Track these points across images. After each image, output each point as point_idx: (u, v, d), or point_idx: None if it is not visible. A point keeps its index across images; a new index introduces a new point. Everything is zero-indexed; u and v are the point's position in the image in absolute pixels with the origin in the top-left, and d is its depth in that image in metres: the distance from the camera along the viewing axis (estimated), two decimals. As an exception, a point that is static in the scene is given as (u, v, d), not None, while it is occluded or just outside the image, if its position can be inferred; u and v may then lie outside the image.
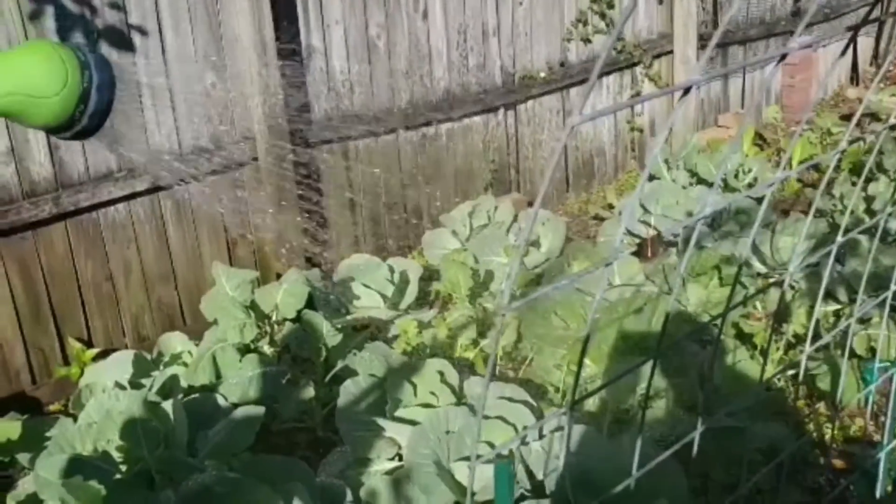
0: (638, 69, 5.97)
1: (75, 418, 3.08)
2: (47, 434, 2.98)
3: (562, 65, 5.45)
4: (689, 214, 4.59)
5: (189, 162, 3.78)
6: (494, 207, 4.71)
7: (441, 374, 2.87)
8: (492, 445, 2.57)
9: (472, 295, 3.98)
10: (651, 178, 5.59)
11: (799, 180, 5.68)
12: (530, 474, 2.50)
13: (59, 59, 1.14)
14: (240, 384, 3.08)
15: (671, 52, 6.10)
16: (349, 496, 2.49)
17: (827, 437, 3.07)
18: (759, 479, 2.68)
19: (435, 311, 3.86)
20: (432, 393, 2.83)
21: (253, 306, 3.39)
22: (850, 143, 1.53)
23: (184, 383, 3.20)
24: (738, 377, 3.12)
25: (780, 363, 3.38)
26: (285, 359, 3.31)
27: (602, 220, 5.25)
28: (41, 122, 1.17)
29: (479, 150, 5.07)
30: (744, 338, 3.40)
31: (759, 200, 5.02)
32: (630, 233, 4.67)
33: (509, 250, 4.20)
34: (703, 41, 6.24)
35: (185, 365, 3.37)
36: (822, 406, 3.28)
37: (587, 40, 5.54)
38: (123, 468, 2.55)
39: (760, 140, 6.52)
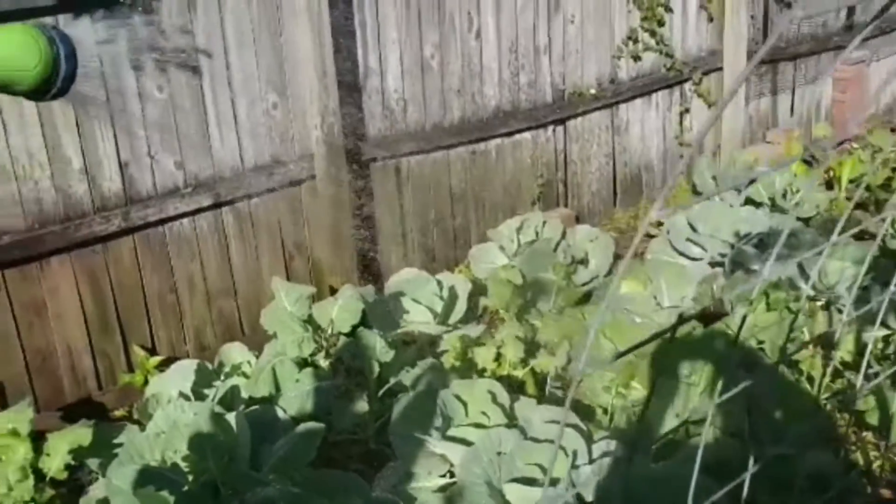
0: (687, 86, 6.00)
1: (142, 426, 3.23)
2: (115, 441, 3.14)
3: (611, 81, 5.50)
4: (738, 235, 4.61)
5: (251, 178, 3.92)
6: (542, 223, 4.78)
7: (492, 394, 2.96)
8: (542, 468, 2.66)
9: (519, 312, 4.06)
10: (698, 195, 5.61)
11: (848, 199, 5.65)
12: (580, 498, 2.58)
13: (32, 37, 1.41)
14: (298, 397, 3.21)
15: (720, 68, 6.11)
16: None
17: (874, 466, 3.09)
18: (804, 506, 2.72)
19: (483, 327, 3.95)
20: (483, 413, 2.92)
21: (310, 321, 3.51)
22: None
23: (244, 394, 3.34)
24: (786, 404, 3.15)
25: (827, 389, 3.41)
26: (340, 372, 3.42)
27: (650, 236, 5.29)
28: (26, 89, 1.45)
29: (528, 166, 5.15)
30: (791, 363, 3.43)
31: (807, 221, 5.02)
32: (678, 251, 4.70)
33: (558, 268, 4.27)
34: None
35: (245, 375, 3.51)
36: (869, 434, 3.29)
37: (637, 57, 5.58)
38: (190, 478, 2.69)
39: (810, 157, 6.49)
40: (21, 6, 3.16)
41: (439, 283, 4.11)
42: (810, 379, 3.45)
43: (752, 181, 5.19)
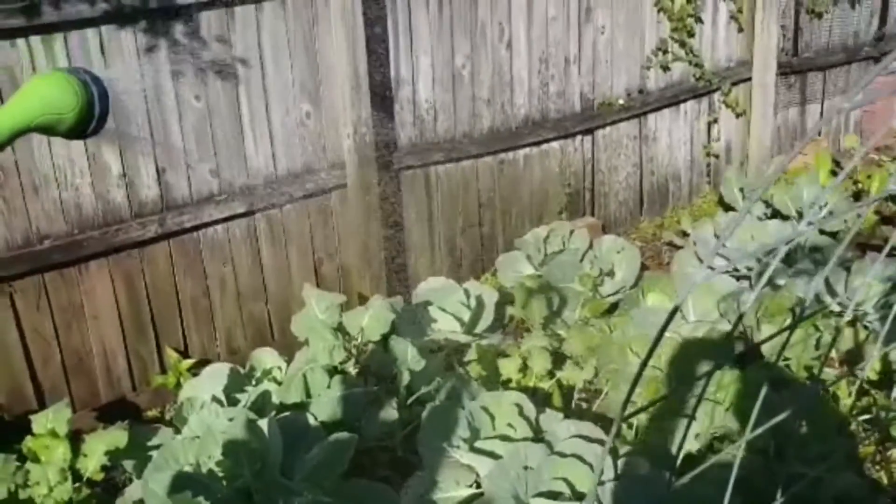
0: (716, 96, 6.00)
1: (176, 428, 3.31)
2: (150, 443, 3.22)
3: (640, 91, 5.52)
4: (768, 253, 4.62)
5: (283, 186, 3.99)
6: (570, 232, 4.81)
7: (519, 407, 3.00)
8: (568, 483, 2.70)
9: (545, 322, 4.10)
10: (726, 206, 5.62)
11: (877, 213, 5.63)
12: (605, 513, 2.62)
13: (68, 82, 1.51)
14: (328, 404, 3.27)
15: (749, 79, 6.10)
16: (431, 522, 2.65)
17: (898, 485, 3.10)
18: (830, 527, 2.74)
19: (510, 337, 3.99)
20: (510, 425, 2.96)
21: (340, 328, 3.57)
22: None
23: (275, 399, 3.41)
24: (812, 422, 3.17)
25: (853, 408, 3.42)
26: (369, 380, 3.48)
27: (676, 247, 5.31)
28: (65, 131, 1.55)
29: (556, 175, 5.18)
30: (816, 382, 3.44)
31: (834, 235, 5.01)
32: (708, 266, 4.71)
33: (584, 278, 4.31)
34: (782, 68, 6.23)
35: (276, 381, 3.58)
36: (894, 453, 3.30)
37: (666, 68, 5.60)
38: (224, 484, 2.75)
39: (838, 169, 6.46)
40: (65, 18, 3.24)
41: (466, 292, 4.16)
42: (836, 397, 3.46)
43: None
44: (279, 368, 3.66)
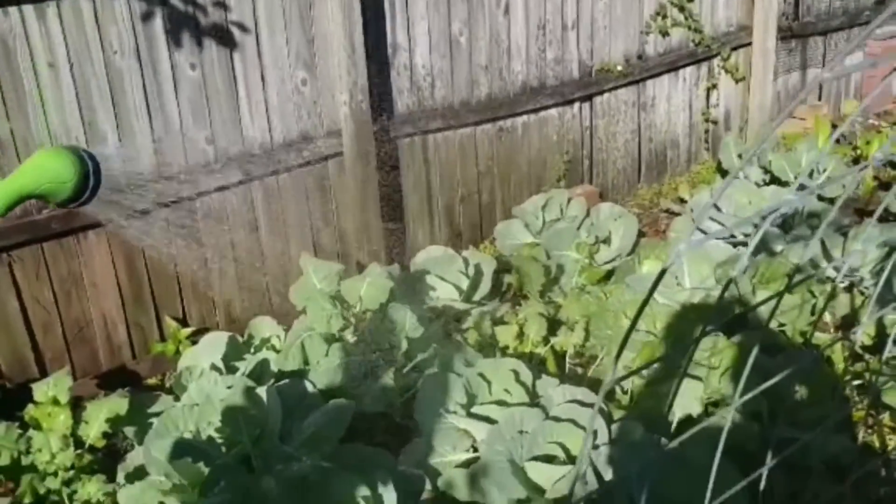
0: (715, 61, 5.97)
1: (175, 396, 3.35)
2: (150, 410, 3.26)
3: (639, 57, 5.48)
4: (763, 218, 4.61)
5: (279, 154, 3.99)
6: (567, 200, 4.82)
7: (515, 373, 3.03)
8: (563, 447, 2.74)
9: (543, 289, 4.12)
10: (724, 173, 5.61)
11: (876, 178, 5.62)
12: (599, 476, 2.66)
13: (68, 157, 1.73)
14: (327, 372, 3.30)
15: (749, 44, 6.06)
16: (428, 485, 2.69)
17: (891, 448, 3.13)
18: (821, 489, 2.78)
19: (507, 305, 4.01)
20: (506, 391, 3.00)
21: (338, 297, 3.59)
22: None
23: (274, 367, 3.44)
24: (805, 387, 3.20)
25: (846, 373, 3.44)
26: (368, 349, 3.50)
27: (673, 214, 5.32)
28: (63, 199, 1.75)
29: (554, 142, 5.17)
30: (811, 347, 3.47)
31: (832, 202, 5.01)
32: (701, 231, 4.72)
33: (581, 246, 4.32)
34: (782, 33, 6.18)
35: (274, 349, 3.61)
36: (886, 417, 3.33)
37: (665, 33, 5.56)
38: (223, 451, 2.79)
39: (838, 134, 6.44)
40: (58, -15, 3.22)
41: (465, 260, 4.17)
42: (830, 362, 3.49)
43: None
44: (277, 337, 3.69)
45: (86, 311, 3.68)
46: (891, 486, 2.96)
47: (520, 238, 4.66)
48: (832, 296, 3.90)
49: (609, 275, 4.31)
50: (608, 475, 2.63)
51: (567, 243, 4.37)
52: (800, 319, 3.61)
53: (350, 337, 3.56)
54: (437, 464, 2.88)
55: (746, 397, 1.76)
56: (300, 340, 3.37)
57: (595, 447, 2.70)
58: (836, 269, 4.15)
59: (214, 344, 3.57)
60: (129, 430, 3.20)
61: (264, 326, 3.73)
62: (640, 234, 4.76)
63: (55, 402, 3.05)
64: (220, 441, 2.79)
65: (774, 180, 5.16)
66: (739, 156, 5.56)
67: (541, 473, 2.68)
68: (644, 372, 3.26)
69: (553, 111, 5.10)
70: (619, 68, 5.33)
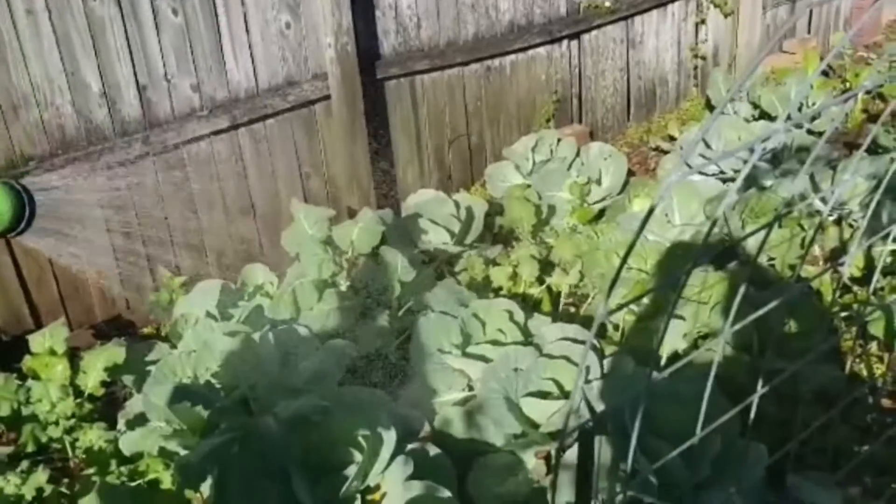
0: (704, -5, 5.90)
1: (172, 344, 3.37)
2: (147, 359, 3.28)
3: (627, -7, 5.41)
4: (751, 150, 4.62)
5: (265, 99, 3.95)
6: (557, 141, 4.80)
7: (509, 312, 3.06)
8: (557, 382, 2.78)
9: (534, 230, 4.13)
10: (713, 110, 5.59)
11: (864, 111, 5.61)
12: (592, 409, 2.70)
13: (5, 191, 1.97)
14: (321, 316, 3.32)
15: (739, -23, 5.99)
16: (426, 426, 2.73)
17: (878, 376, 3.20)
18: (809, 417, 2.84)
19: (500, 247, 4.03)
20: (500, 331, 3.03)
21: (330, 242, 3.59)
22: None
23: (268, 314, 3.45)
24: (794, 319, 3.24)
25: (834, 304, 3.49)
26: (361, 293, 3.52)
27: (663, 152, 5.31)
28: (2, 230, 1.96)
29: (542, 81, 5.12)
30: (800, 279, 3.50)
31: (821, 135, 5.01)
32: (690, 167, 4.72)
33: (572, 186, 4.32)
34: (772, -35, 6.11)
35: (268, 296, 3.62)
36: (873, 346, 3.39)
37: (653, -33, 5.48)
38: (222, 395, 2.82)
39: (827, 69, 6.41)
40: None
41: (456, 203, 4.17)
42: (819, 294, 3.53)
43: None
44: (271, 283, 3.70)
45: (79, 261, 3.67)
46: (877, 414, 3.03)
47: (510, 180, 4.65)
48: (821, 229, 3.92)
49: (600, 214, 4.32)
50: (601, 408, 2.67)
51: (558, 184, 4.37)
52: (789, 253, 3.64)
53: (343, 282, 3.58)
54: (434, 403, 2.92)
55: (736, 326, 1.79)
56: (292, 287, 3.38)
57: (588, 382, 2.74)
58: (825, 202, 4.17)
59: (208, 292, 3.57)
60: (128, 379, 3.22)
61: (257, 273, 3.73)
62: (630, 173, 4.76)
63: (52, 352, 3.06)
64: (218, 386, 2.82)
65: (764, 115, 5.14)
66: (728, 91, 5.52)
67: (535, 409, 2.72)
68: (635, 308, 3.29)
69: (541, 50, 5.05)
70: (607, 4, 5.27)
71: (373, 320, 3.43)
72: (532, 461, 2.68)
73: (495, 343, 2.99)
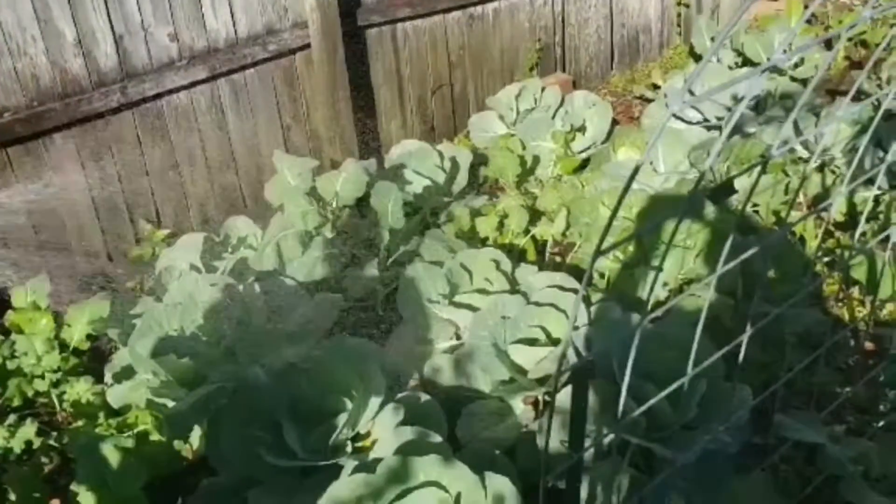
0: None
1: (156, 297, 3.34)
2: (132, 312, 3.26)
3: (610, -62, 5.33)
4: (735, 98, 4.61)
5: (245, 49, 3.87)
6: (541, 90, 4.75)
7: (496, 262, 3.06)
8: (544, 330, 2.79)
9: (519, 181, 4.11)
10: (697, 58, 5.56)
11: (847, 58, 5.60)
12: (580, 355, 2.72)
13: None
14: (306, 267, 3.30)
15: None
16: (416, 375, 2.74)
17: (860, 320, 3.24)
18: (792, 360, 2.88)
19: (485, 197, 4.01)
20: (487, 280, 3.03)
21: (314, 193, 3.56)
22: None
23: (252, 266, 3.44)
24: (778, 265, 3.27)
25: (818, 250, 3.51)
26: (346, 243, 3.50)
27: (647, 100, 5.28)
28: None
29: (526, 29, 5.06)
30: (783, 225, 3.52)
31: (804, 83, 5.00)
32: (675, 116, 4.70)
33: (556, 135, 4.29)
34: None
35: (252, 248, 3.60)
36: (856, 290, 3.43)
37: (637, -89, 5.38)
38: (209, 347, 2.81)
39: (811, 16, 6.37)
40: None
41: (440, 154, 4.14)
42: (802, 240, 3.56)
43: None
44: (254, 236, 3.67)
45: (58, 216, 3.62)
46: (859, 356, 3.07)
47: (494, 129, 4.62)
48: (805, 176, 3.93)
49: (585, 164, 4.31)
50: (587, 354, 2.69)
51: (542, 133, 4.34)
52: (773, 199, 3.66)
53: (329, 233, 3.55)
54: (421, 352, 2.92)
55: (722, 271, 1.79)
56: (276, 239, 3.35)
57: (575, 328, 2.75)
58: (808, 148, 4.18)
59: (191, 245, 3.55)
60: (113, 333, 3.19)
61: (240, 226, 3.70)
62: (615, 122, 4.74)
63: (35, 307, 3.03)
64: (204, 339, 2.81)
65: (747, 62, 5.12)
66: (712, 39, 5.49)
67: (523, 355, 2.73)
68: (621, 256, 3.30)
69: (524, -3, 4.97)
70: (591, -50, 5.18)
71: (360, 270, 3.42)
72: (520, 407, 2.70)
73: (482, 292, 2.99)
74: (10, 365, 2.83)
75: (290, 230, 3.42)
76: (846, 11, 6.39)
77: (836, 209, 3.60)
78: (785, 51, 5.22)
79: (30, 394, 2.77)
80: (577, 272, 3.33)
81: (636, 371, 2.55)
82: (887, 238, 3.20)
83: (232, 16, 3.82)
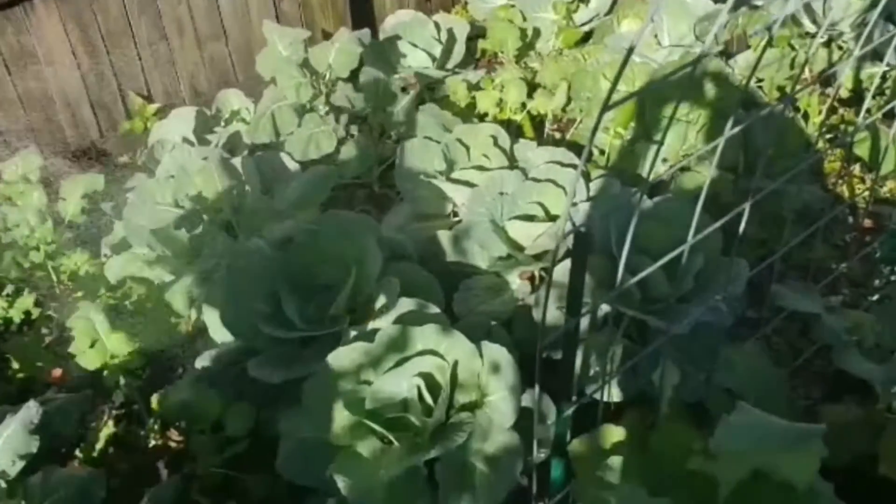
0: None
1: (149, 171, 3.30)
2: (126, 186, 3.23)
3: None
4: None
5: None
6: (542, -41, 4.55)
7: (494, 137, 3.00)
8: (542, 206, 2.76)
9: (519, 54, 3.99)
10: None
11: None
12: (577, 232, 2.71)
13: None
14: (300, 141, 3.24)
15: None
16: (410, 248, 2.73)
17: (859, 197, 3.21)
18: (790, 236, 2.88)
19: (483, 71, 3.91)
20: (485, 156, 2.98)
21: (306, 65, 3.45)
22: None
23: (246, 139, 3.38)
24: (780, 140, 3.21)
25: (822, 126, 3.44)
26: (341, 118, 3.43)
27: (651, -28, 5.07)
28: None
29: None
30: (789, 101, 3.45)
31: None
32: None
33: (558, 6, 4.14)
34: None
35: (244, 121, 3.53)
36: (857, 168, 3.38)
37: None
38: (205, 219, 2.79)
39: None
40: None
41: (437, 25, 3.99)
42: (806, 116, 3.49)
43: None
44: (247, 109, 3.60)
45: (45, 89, 3.52)
46: (856, 233, 3.07)
47: (494, 0, 4.44)
48: (812, 50, 3.82)
49: (587, 36, 4.17)
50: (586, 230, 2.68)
51: (543, 4, 4.18)
52: (779, 74, 3.57)
53: (322, 107, 3.47)
54: (419, 228, 2.91)
55: (717, 142, 1.75)
56: (270, 111, 3.28)
57: (574, 204, 2.73)
58: (816, 22, 4.05)
59: (183, 118, 3.48)
60: (107, 207, 3.16)
61: (232, 99, 3.62)
62: (618, -7, 4.56)
63: (26, 179, 2.99)
64: (199, 209, 2.78)
65: (759, -69, 4.88)
66: None
67: (521, 231, 2.72)
68: (622, 132, 3.24)
69: None
70: None
71: (355, 145, 3.36)
72: (516, 282, 2.71)
73: (480, 168, 2.95)
74: (5, 238, 2.82)
75: (285, 102, 3.34)
76: None
77: (842, 83, 3.51)
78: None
79: (25, 265, 2.77)
80: (576, 148, 3.28)
81: (634, 247, 2.54)
82: (893, 115, 3.13)
83: None
